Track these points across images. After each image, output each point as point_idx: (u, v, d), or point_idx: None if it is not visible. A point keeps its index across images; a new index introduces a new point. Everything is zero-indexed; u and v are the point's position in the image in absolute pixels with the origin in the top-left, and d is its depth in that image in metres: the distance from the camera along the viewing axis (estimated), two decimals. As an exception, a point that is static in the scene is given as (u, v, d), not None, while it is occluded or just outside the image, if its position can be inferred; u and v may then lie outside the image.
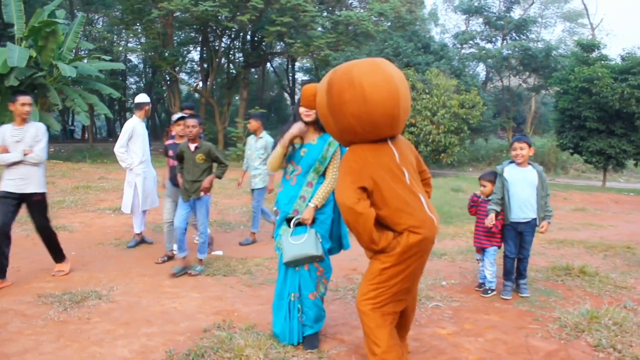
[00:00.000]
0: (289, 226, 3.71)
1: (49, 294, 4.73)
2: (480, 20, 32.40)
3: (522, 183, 5.01)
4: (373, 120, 2.93)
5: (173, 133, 6.51)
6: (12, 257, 5.91)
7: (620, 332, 4.20)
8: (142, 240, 7.04)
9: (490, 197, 5.23)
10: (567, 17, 38.70)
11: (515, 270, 5.24)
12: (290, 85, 44.58)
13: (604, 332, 4.18)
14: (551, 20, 39.01)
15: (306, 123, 3.77)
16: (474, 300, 5.05)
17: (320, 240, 3.66)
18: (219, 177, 5.83)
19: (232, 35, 31.21)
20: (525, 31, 29.63)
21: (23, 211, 5.22)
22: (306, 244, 3.59)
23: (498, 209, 5.10)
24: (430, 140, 19.19)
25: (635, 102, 16.51)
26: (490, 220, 5.08)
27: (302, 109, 3.78)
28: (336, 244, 3.99)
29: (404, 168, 3.12)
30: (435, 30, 42.15)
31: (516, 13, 32.93)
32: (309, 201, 3.72)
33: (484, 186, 5.32)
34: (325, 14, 28.28)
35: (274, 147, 3.89)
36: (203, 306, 4.60)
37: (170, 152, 6.25)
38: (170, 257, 6.18)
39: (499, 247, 5.34)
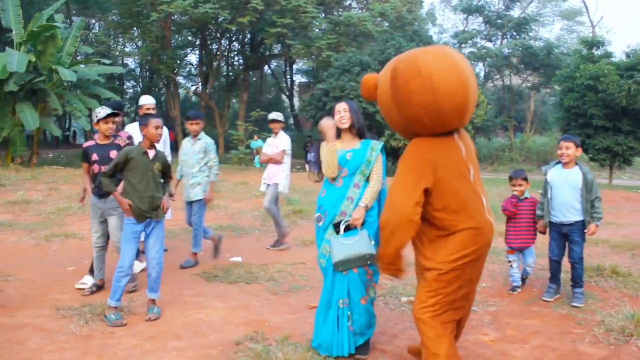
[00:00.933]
0: (337, 232, 3.59)
1: (67, 307, 4.50)
2: (480, 19, 32.30)
3: (563, 185, 4.82)
4: (442, 110, 2.78)
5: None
6: (23, 268, 5.73)
7: (669, 336, 4.02)
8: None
9: (526, 196, 5.25)
10: (565, 15, 38.55)
11: (570, 278, 5.00)
12: (289, 87, 44.40)
13: (654, 337, 4.00)
14: (549, 19, 38.87)
15: (339, 129, 3.81)
16: (510, 304, 4.86)
17: (372, 241, 3.50)
18: (172, 196, 5.10)
19: (232, 38, 31.00)
20: (525, 29, 29.48)
21: (29, 218, 5.03)
22: (359, 243, 3.47)
23: (542, 213, 4.98)
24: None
25: (641, 98, 16.39)
26: (541, 226, 5.07)
27: (336, 117, 3.80)
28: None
29: (470, 165, 2.96)
30: (433, 30, 41.98)
31: (515, 12, 32.80)
32: (357, 202, 3.63)
33: (520, 185, 5.22)
34: (324, 15, 28.10)
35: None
36: (230, 316, 4.39)
37: (95, 156, 4.89)
38: (100, 287, 5.04)
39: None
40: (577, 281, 4.90)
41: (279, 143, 7.21)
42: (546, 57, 25.85)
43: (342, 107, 3.81)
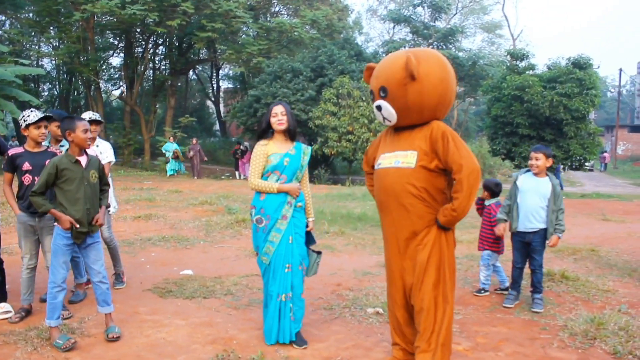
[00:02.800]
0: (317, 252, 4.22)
1: (9, 331, 4.07)
2: (407, 29, 33.09)
3: (532, 193, 4.88)
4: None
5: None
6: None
7: (630, 338, 4.18)
8: None
9: (492, 201, 5.43)
10: (486, 28, 40.32)
11: (530, 284, 5.10)
12: (215, 93, 43.67)
13: (615, 339, 4.14)
14: (471, 30, 40.53)
15: (274, 131, 4.06)
16: (474, 312, 4.89)
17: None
18: (107, 207, 4.44)
19: (159, 41, 30.08)
20: (451, 40, 30.53)
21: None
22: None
23: (505, 218, 5.04)
24: (368, 147, 19.26)
25: (563, 109, 17.23)
26: (499, 230, 5.08)
27: (273, 120, 3.99)
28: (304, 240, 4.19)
29: None
30: (359, 39, 42.66)
31: (441, 23, 33.86)
32: (295, 205, 3.97)
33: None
34: (254, 21, 27.84)
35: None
36: (194, 335, 4.13)
37: (27, 165, 4.30)
38: (29, 312, 4.49)
39: (497, 252, 5.48)
40: (536, 286, 5.00)
41: (103, 152, 5.22)
42: (471, 68, 26.86)
43: (279, 110, 3.99)
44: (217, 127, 47.87)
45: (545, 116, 17.52)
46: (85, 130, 3.90)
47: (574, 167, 19.43)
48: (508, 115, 18.25)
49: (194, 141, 22.53)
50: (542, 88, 17.51)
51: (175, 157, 22.03)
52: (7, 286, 4.68)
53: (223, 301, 5.04)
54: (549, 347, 4.05)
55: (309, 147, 4.20)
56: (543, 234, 4.89)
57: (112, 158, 5.36)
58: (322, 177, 21.72)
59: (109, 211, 5.16)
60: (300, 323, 4.01)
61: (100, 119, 5.19)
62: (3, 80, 18.69)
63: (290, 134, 4.06)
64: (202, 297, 5.13)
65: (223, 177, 23.72)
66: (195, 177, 21.40)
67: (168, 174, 21.70)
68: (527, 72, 18.80)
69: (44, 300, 4.82)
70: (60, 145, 4.96)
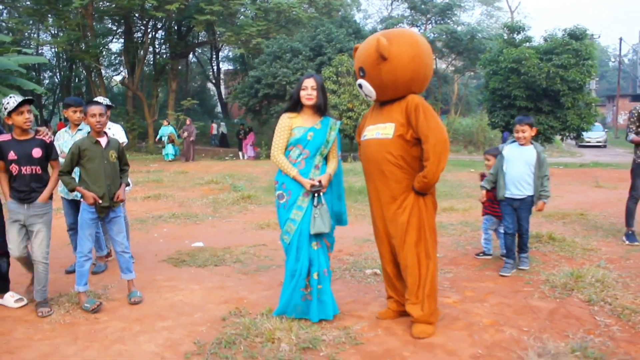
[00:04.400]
0: (316, 202, 3.81)
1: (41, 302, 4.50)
2: (405, 5, 33.13)
3: (517, 161, 5.09)
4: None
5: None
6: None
7: (605, 288, 4.55)
8: None
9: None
10: (484, 1, 40.23)
11: (517, 245, 5.35)
12: (215, 75, 43.81)
13: (591, 289, 4.51)
14: (470, 4, 40.41)
15: (303, 106, 3.94)
16: (464, 271, 5.29)
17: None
18: (128, 185, 4.70)
19: (158, 25, 30.25)
20: (449, 15, 30.59)
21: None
22: (329, 215, 3.85)
23: (488, 186, 5.36)
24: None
25: (560, 80, 17.50)
26: (482, 197, 5.42)
27: (303, 93, 3.88)
28: (334, 220, 4.07)
29: None
30: (358, 16, 42.62)
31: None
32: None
33: (488, 160, 5.70)
34: (250, 1, 27.96)
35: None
36: (209, 296, 4.55)
37: (12, 154, 4.15)
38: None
39: (497, 218, 5.64)
40: (522, 248, 5.31)
41: (115, 134, 5.46)
42: (470, 42, 27.01)
43: (310, 84, 3.86)
44: (219, 109, 48.14)
45: (542, 88, 17.79)
46: (93, 115, 4.23)
47: (572, 137, 19.74)
48: (506, 88, 18.53)
49: (188, 122, 21.85)
50: (539, 60, 17.76)
51: (171, 141, 21.02)
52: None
53: (233, 268, 5.47)
54: (531, 298, 4.45)
55: (338, 122, 4.06)
56: (530, 201, 5.14)
57: (124, 139, 5.73)
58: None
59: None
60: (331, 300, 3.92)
61: (109, 103, 5.52)
62: (7, 70, 19.01)
63: (320, 110, 3.93)
64: (214, 265, 5.56)
65: (227, 158, 24.09)
66: (189, 161, 20.51)
67: (167, 159, 20.71)
68: (524, 44, 19.01)
69: (69, 272, 5.28)
70: (79, 130, 5.29)
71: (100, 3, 25.62)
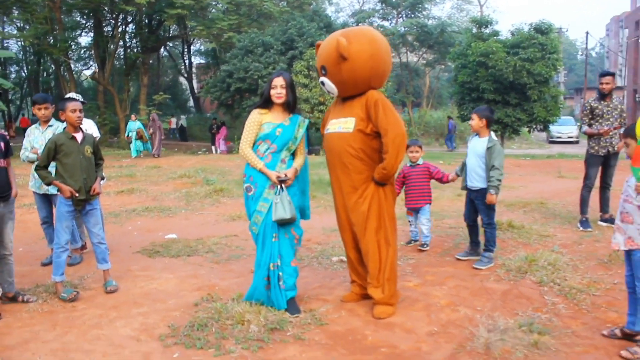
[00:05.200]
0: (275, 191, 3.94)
1: (19, 290, 4.64)
2: (376, -1, 33.43)
3: (472, 152, 5.21)
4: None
5: None
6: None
7: (556, 270, 4.88)
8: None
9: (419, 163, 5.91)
10: (454, -6, 40.81)
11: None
12: (187, 69, 43.56)
13: (543, 272, 4.83)
14: (440, -2, 40.97)
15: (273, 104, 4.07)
16: (426, 257, 5.57)
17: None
18: (103, 178, 4.93)
19: (128, 19, 29.97)
20: (420, 9, 30.96)
21: None
22: (293, 204, 3.96)
23: (458, 172, 5.53)
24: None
25: (526, 74, 18.00)
26: (452, 179, 5.63)
27: (272, 92, 4.01)
28: (298, 213, 4.22)
29: None
30: (330, 10, 42.77)
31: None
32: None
33: (416, 151, 5.86)
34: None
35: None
36: (182, 284, 4.75)
37: None
38: (13, 298, 4.40)
39: (430, 204, 5.97)
40: (486, 245, 5.28)
41: (87, 129, 5.54)
42: (440, 35, 27.43)
43: (279, 83, 3.97)
44: (191, 103, 47.89)
45: (509, 81, 18.27)
46: (74, 110, 4.41)
47: (538, 129, 20.30)
48: (474, 81, 18.97)
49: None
50: (506, 54, 18.22)
51: (139, 137, 20.11)
52: None
53: (205, 257, 5.66)
54: (487, 281, 4.75)
55: (306, 120, 4.21)
56: (484, 193, 5.13)
57: (97, 134, 5.87)
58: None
59: None
60: (293, 290, 4.04)
61: (82, 100, 5.62)
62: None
63: (289, 107, 4.07)
64: (187, 255, 5.75)
65: (200, 152, 24.09)
66: (156, 155, 19.91)
67: (132, 156, 19.76)
68: (491, 38, 19.45)
69: (45, 264, 5.41)
70: (49, 126, 5.38)
71: (69, -4, 25.27)
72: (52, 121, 5.42)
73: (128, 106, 28.85)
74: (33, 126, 5.51)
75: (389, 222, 3.97)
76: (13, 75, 43.65)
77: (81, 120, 4.50)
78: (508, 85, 18.58)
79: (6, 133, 4.79)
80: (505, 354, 3.31)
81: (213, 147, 24.32)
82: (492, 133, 5.24)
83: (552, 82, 19.88)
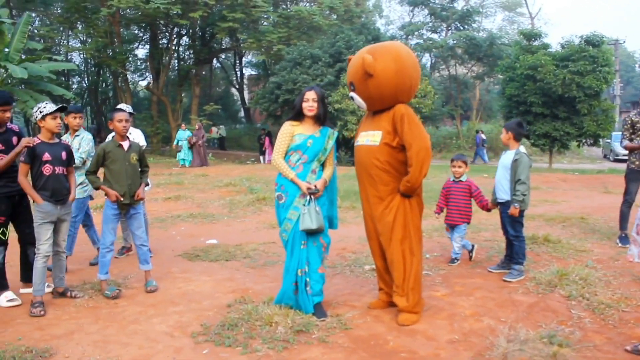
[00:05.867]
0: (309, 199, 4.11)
1: (68, 286, 4.98)
2: (425, 11, 33.44)
3: (500, 166, 5.32)
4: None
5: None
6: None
7: (586, 285, 4.85)
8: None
9: (461, 179, 5.82)
10: (506, 6, 40.27)
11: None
12: (239, 80, 44.58)
13: (573, 286, 4.81)
14: (491, 10, 40.51)
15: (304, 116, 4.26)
16: (458, 268, 5.63)
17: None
18: (147, 185, 5.18)
19: (182, 32, 31.05)
20: (469, 21, 30.80)
21: None
22: (321, 215, 4.09)
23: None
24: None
25: (575, 87, 17.65)
26: (490, 207, 5.59)
27: (305, 104, 4.21)
28: (327, 223, 4.41)
29: None
30: (380, 22, 42.98)
31: (459, 4, 34.12)
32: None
33: (459, 167, 5.82)
34: (274, 9, 28.54)
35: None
36: (217, 287, 4.99)
37: (47, 156, 4.45)
38: (42, 303, 4.43)
39: (468, 223, 5.90)
40: (513, 257, 5.32)
41: (135, 138, 5.75)
42: (489, 48, 27.20)
43: (311, 96, 4.18)
44: (242, 113, 48.90)
45: (558, 94, 17.94)
46: (120, 120, 4.78)
47: (588, 143, 19.83)
48: (522, 94, 18.73)
49: (198, 126, 21.36)
50: (555, 67, 17.92)
51: (191, 146, 20.14)
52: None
53: (242, 263, 5.91)
54: (514, 293, 4.78)
55: (336, 132, 4.35)
56: (509, 206, 5.17)
57: (144, 142, 6.24)
58: (343, 159, 22.45)
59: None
60: (320, 296, 4.18)
61: (132, 111, 5.87)
62: (38, 76, 19.83)
63: (320, 120, 4.24)
64: (225, 260, 6.01)
65: (248, 162, 24.61)
66: (204, 165, 19.92)
67: (180, 165, 19.75)
68: (540, 51, 19.17)
69: (93, 264, 5.78)
70: (76, 136, 5.67)
71: (127, 10, 26.41)
72: (80, 130, 5.71)
73: (180, 116, 29.81)
74: (64, 135, 5.67)
75: (414, 233, 4.09)
76: (75, 86, 45.70)
77: (127, 130, 4.83)
78: (557, 99, 18.26)
79: (68, 142, 5.18)
80: (523, 364, 3.38)
81: (261, 157, 24.81)
82: (522, 147, 5.27)
83: (603, 95, 19.40)
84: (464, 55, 29.70)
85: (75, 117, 5.62)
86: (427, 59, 36.66)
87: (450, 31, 31.63)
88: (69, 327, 4.02)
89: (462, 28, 30.79)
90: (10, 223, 4.70)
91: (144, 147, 5.89)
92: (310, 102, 4.19)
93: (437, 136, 31.90)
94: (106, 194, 4.76)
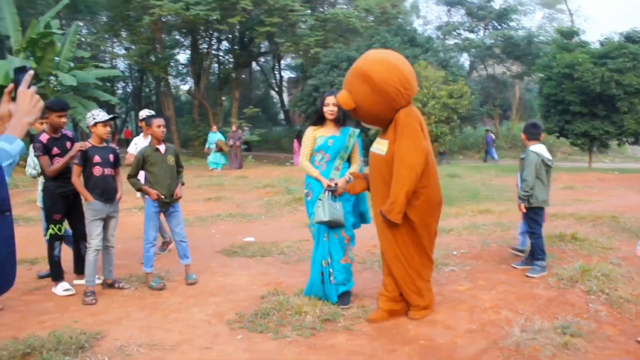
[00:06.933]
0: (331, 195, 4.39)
1: (117, 278, 5.42)
2: (462, 11, 33.30)
3: (521, 167, 5.55)
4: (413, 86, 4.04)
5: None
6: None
7: (608, 281, 4.98)
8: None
9: None
10: (545, 3, 39.62)
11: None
12: (278, 83, 45.21)
13: (594, 282, 4.95)
14: (530, 7, 39.88)
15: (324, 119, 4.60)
16: (483, 264, 5.83)
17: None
18: (183, 184, 5.47)
19: (222, 37, 31.80)
20: (506, 20, 30.54)
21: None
22: (340, 211, 4.36)
23: None
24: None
25: (615, 85, 17.36)
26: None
27: (325, 109, 4.54)
28: (358, 218, 4.76)
29: None
30: (417, 22, 42.88)
31: (496, 3, 33.85)
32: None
33: None
34: (311, 12, 28.93)
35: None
36: (253, 280, 5.35)
37: (97, 158, 4.91)
38: (111, 285, 5.17)
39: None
40: (534, 255, 5.49)
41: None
42: (527, 47, 26.93)
43: (332, 101, 4.46)
44: (281, 116, 49.58)
45: (596, 93, 17.70)
46: (159, 126, 5.17)
47: (629, 142, 19.48)
48: (559, 93, 18.53)
49: (234, 128, 21.20)
50: (593, 64, 17.66)
51: (219, 149, 19.57)
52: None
53: (277, 259, 6.26)
54: (536, 288, 4.97)
55: (357, 130, 4.61)
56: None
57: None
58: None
59: None
60: (344, 285, 4.48)
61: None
62: (85, 83, 20.75)
63: (339, 122, 4.54)
64: (261, 256, 6.38)
65: (287, 163, 25.04)
66: (239, 167, 19.73)
67: (210, 168, 19.27)
68: (578, 49, 18.94)
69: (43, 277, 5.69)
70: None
71: (169, 17, 27.23)
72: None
73: (221, 119, 30.53)
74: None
75: (426, 237, 4.14)
76: (120, 92, 47.27)
77: (164, 134, 5.22)
78: (595, 97, 17.99)
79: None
80: (534, 352, 3.59)
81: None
82: (539, 146, 5.49)
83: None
84: (501, 54, 29.46)
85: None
86: (465, 58, 36.45)
87: (487, 30, 31.41)
88: (117, 314, 4.43)
89: (499, 27, 30.55)
90: (65, 220, 5.17)
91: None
92: (330, 107, 4.50)
93: (476, 136, 31.68)
94: (147, 194, 5.14)
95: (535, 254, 5.44)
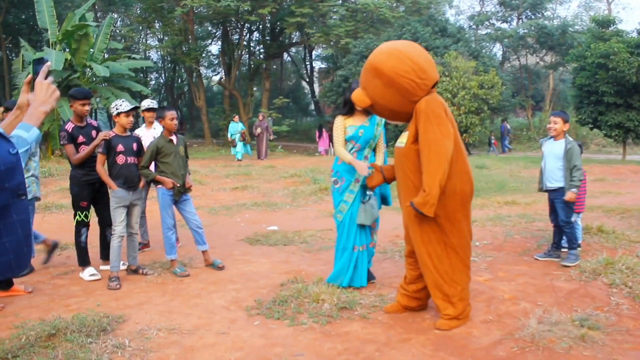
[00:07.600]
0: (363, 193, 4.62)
1: (140, 264, 5.56)
2: (496, 0, 32.70)
3: (549, 156, 5.50)
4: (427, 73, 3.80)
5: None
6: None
7: (632, 274, 4.88)
8: None
9: None
10: (582, -8, 38.74)
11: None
12: (309, 74, 45.23)
13: (618, 275, 4.86)
14: (566, -4, 39.00)
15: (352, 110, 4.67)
16: (505, 256, 5.79)
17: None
18: (189, 173, 5.56)
19: (252, 28, 31.98)
20: (540, 9, 29.89)
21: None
22: (376, 209, 4.63)
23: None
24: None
25: (651, 75, 16.91)
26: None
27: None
28: (380, 201, 4.90)
29: None
30: (450, 12, 42.30)
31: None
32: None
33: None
34: (340, 2, 28.82)
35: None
36: (274, 268, 5.43)
37: (121, 147, 5.07)
38: (135, 271, 5.33)
39: (577, 213, 5.75)
40: (569, 244, 5.45)
41: (156, 135, 5.82)
42: (561, 37, 26.32)
43: None
44: (312, 106, 49.62)
45: (632, 83, 17.24)
46: (172, 118, 5.24)
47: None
48: (593, 84, 18.10)
49: (261, 117, 20.92)
50: (629, 54, 17.18)
51: (243, 139, 19.60)
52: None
53: (299, 247, 6.33)
54: (557, 280, 4.91)
55: (383, 119, 4.59)
56: (562, 192, 5.37)
57: None
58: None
59: None
60: (370, 263, 4.85)
61: (155, 106, 6.36)
62: (118, 74, 21.14)
63: (367, 111, 4.52)
64: (283, 245, 6.46)
65: (316, 153, 25.10)
66: (263, 158, 19.51)
67: (237, 158, 19.18)
68: (613, 38, 18.43)
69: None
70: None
71: (200, 9, 27.50)
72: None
73: (251, 109, 30.78)
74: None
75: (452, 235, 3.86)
76: (152, 82, 47.96)
77: (176, 126, 5.29)
78: (631, 88, 17.51)
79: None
80: (550, 344, 3.57)
81: (330, 149, 25.22)
82: (567, 135, 5.50)
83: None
84: (535, 44, 28.86)
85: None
86: (497, 49, 35.86)
87: (521, 20, 30.80)
88: (139, 298, 4.56)
89: (532, 17, 29.90)
90: (91, 207, 5.32)
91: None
92: None
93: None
94: (162, 183, 5.21)
95: (570, 244, 5.43)
